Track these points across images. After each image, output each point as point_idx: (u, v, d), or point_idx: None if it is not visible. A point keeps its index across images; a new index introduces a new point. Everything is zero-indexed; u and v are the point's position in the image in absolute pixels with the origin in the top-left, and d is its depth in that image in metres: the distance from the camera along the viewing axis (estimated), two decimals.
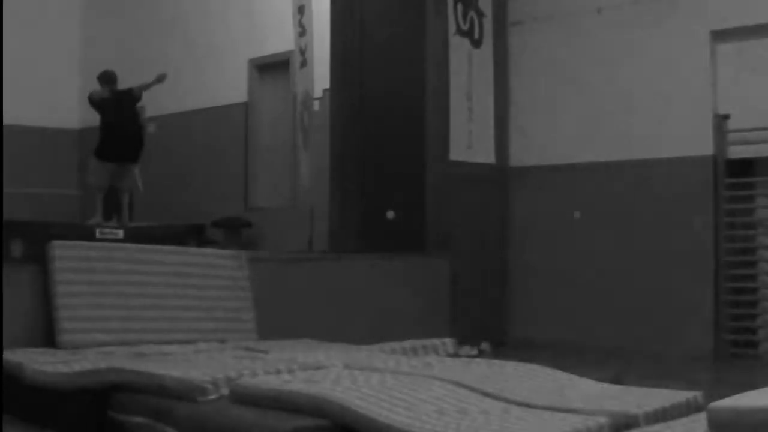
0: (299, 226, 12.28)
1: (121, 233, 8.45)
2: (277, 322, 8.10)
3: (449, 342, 7.40)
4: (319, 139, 11.48)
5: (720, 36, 9.74)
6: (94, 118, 12.88)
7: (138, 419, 5.21)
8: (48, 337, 6.99)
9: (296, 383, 5.03)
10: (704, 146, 9.71)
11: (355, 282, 9.37)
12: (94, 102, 12.31)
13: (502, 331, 10.79)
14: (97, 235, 8.16)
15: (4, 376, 6.09)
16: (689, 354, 9.44)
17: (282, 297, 8.49)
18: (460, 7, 10.55)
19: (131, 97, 12.20)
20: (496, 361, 6.28)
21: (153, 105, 13.84)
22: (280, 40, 12.81)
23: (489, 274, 10.84)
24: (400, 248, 10.39)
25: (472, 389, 5.10)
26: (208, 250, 8.54)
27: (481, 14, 10.79)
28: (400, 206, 10.88)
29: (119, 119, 11.99)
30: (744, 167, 9.75)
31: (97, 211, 11.32)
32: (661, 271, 9.91)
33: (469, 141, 10.63)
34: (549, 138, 10.85)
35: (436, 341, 7.33)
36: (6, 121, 12.31)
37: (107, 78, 12.34)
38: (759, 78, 9.34)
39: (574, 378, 5.72)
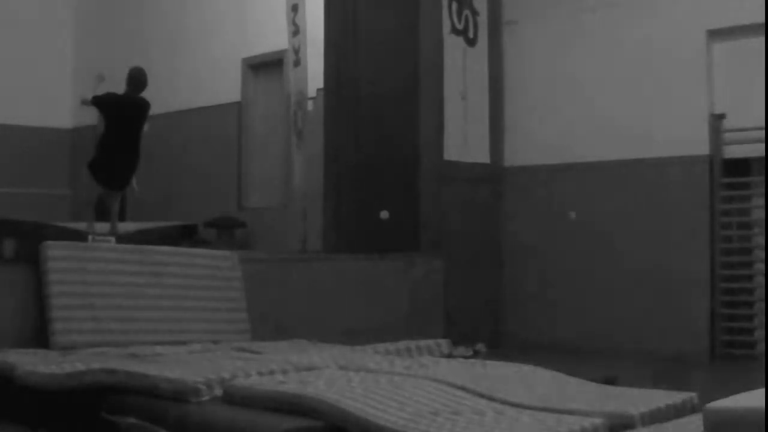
0: (292, 226, 12.24)
1: (113, 241, 8.42)
2: (270, 322, 8.09)
3: (444, 343, 7.39)
4: (313, 138, 11.45)
5: (716, 35, 9.72)
6: (87, 117, 12.84)
7: (131, 420, 5.18)
8: (41, 337, 6.97)
9: (290, 384, 5.01)
10: (700, 146, 9.70)
11: (348, 282, 9.35)
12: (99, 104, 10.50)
13: (497, 332, 10.77)
14: (90, 234, 8.13)
15: None
16: (685, 355, 9.43)
17: (275, 297, 8.47)
18: (454, 5, 10.53)
19: (142, 114, 10.64)
20: (491, 362, 6.27)
21: None
22: (273, 39, 12.78)
23: (484, 275, 10.82)
24: (395, 248, 10.36)
25: (467, 390, 5.09)
26: (201, 251, 8.52)
27: (475, 13, 10.76)
28: (395, 206, 10.84)
29: (122, 145, 10.42)
30: (740, 167, 9.73)
31: (88, 220, 10.99)
32: (657, 271, 9.90)
33: (464, 140, 10.61)
34: (544, 138, 10.83)
35: (431, 342, 7.32)
36: None
37: (133, 80, 10.46)
38: (755, 77, 9.31)
39: (570, 379, 5.71)
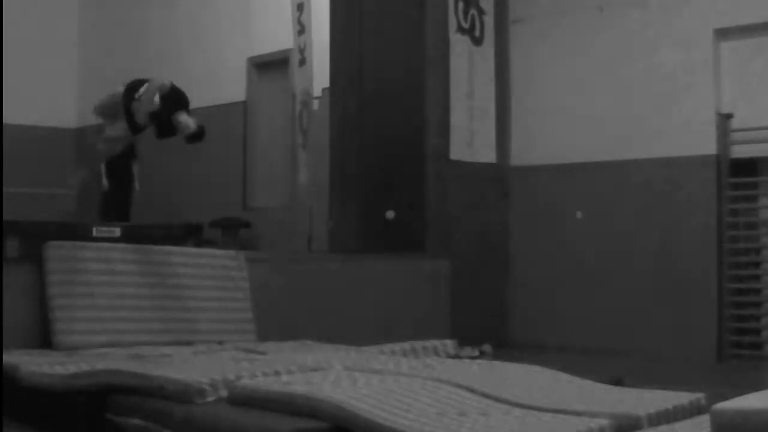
0: (298, 226, 12.22)
1: (118, 231, 8.37)
2: (275, 323, 8.07)
3: (450, 343, 7.37)
4: (319, 138, 11.42)
5: (723, 34, 9.68)
6: (90, 118, 12.79)
7: (135, 421, 5.17)
8: (44, 338, 6.96)
9: (295, 385, 4.99)
10: (707, 145, 9.66)
11: (354, 283, 9.32)
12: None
13: (504, 333, 10.74)
14: (94, 233, 8.09)
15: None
16: (692, 355, 9.40)
17: (281, 298, 8.44)
18: (460, 4, 10.51)
19: None
20: (498, 363, 6.26)
21: None
22: (278, 39, 12.74)
23: (490, 275, 10.79)
24: (400, 248, 10.35)
25: (473, 391, 5.06)
26: (206, 250, 8.48)
27: (482, 12, 10.74)
28: (400, 206, 10.82)
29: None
30: (747, 167, 9.70)
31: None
32: (664, 271, 9.87)
33: (470, 140, 10.59)
34: (550, 137, 10.80)
35: (437, 342, 7.30)
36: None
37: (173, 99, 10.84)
38: (763, 76, 9.30)
39: (576, 379, 5.68)
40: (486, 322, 10.50)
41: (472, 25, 10.65)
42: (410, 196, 10.73)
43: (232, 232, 13.29)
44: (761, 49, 9.40)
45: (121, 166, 13.54)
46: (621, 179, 10.29)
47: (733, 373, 8.87)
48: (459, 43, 10.53)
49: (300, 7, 11.49)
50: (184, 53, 14.84)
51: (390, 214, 10.74)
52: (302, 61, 11.52)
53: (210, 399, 5.07)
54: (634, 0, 10.24)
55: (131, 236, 8.25)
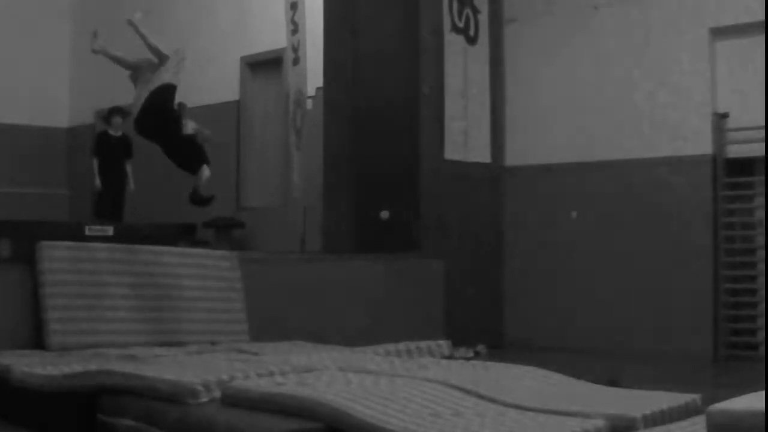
0: (292, 227, 12.19)
1: (111, 231, 8.35)
2: (269, 323, 8.04)
3: (444, 344, 7.34)
4: (312, 138, 11.40)
5: (719, 33, 9.68)
6: (83, 117, 12.79)
7: (128, 422, 5.14)
8: (37, 338, 6.92)
9: (289, 386, 4.96)
10: (703, 145, 9.66)
11: (348, 283, 9.29)
12: None
13: (498, 333, 10.73)
14: (87, 232, 8.07)
15: None
16: (688, 356, 9.39)
17: (274, 298, 8.41)
18: (455, 4, 10.50)
19: None
20: (492, 364, 6.22)
21: None
22: (272, 38, 12.73)
23: (484, 275, 10.77)
24: (394, 248, 10.32)
25: (468, 392, 5.04)
26: (199, 251, 8.46)
27: (476, 11, 10.73)
28: (395, 206, 10.80)
29: None
30: (743, 166, 9.69)
31: None
32: (660, 271, 9.86)
33: (464, 140, 10.57)
34: (545, 137, 10.79)
35: (431, 343, 7.27)
36: None
37: None
38: (758, 75, 9.27)
39: (571, 380, 5.66)
40: (481, 323, 10.48)
41: (467, 25, 10.64)
42: (405, 196, 10.70)
43: (225, 232, 13.27)
44: (756, 48, 9.38)
45: (114, 165, 13.60)
46: (615, 179, 10.28)
47: (729, 374, 8.85)
48: (453, 43, 10.52)
49: (293, 6, 11.49)
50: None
51: (384, 214, 10.71)
52: (296, 61, 11.51)
53: (203, 400, 5.04)
54: None
55: (124, 236, 8.24)
